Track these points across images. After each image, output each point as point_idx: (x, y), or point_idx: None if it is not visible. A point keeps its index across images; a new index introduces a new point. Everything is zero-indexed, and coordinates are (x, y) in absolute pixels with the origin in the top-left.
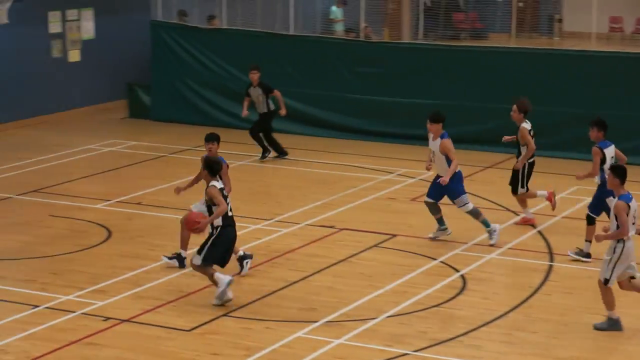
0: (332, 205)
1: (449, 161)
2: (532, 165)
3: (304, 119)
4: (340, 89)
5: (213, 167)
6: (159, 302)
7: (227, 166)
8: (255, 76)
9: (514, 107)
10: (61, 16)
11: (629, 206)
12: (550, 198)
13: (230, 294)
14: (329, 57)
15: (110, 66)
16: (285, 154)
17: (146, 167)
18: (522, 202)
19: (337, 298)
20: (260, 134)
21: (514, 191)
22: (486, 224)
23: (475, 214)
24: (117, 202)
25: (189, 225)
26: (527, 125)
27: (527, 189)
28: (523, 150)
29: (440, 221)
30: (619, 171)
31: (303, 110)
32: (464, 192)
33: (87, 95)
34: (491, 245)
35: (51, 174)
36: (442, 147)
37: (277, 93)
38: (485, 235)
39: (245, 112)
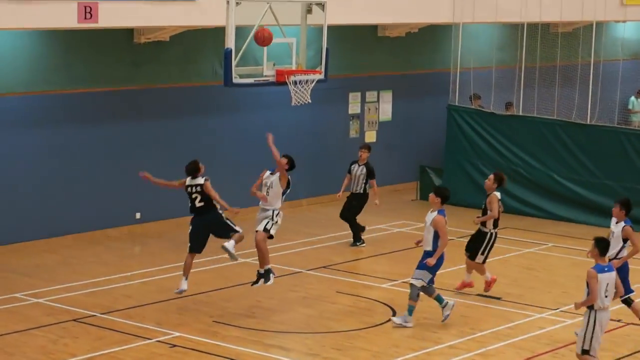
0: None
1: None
2: (496, 236)
3: (595, 208)
4: (633, 179)
5: None
6: None
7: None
8: (365, 155)
9: (491, 176)
10: (361, 97)
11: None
12: (490, 284)
13: None
14: (626, 148)
15: (405, 148)
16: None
17: None
18: (472, 268)
19: None
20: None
21: (472, 257)
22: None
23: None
24: (403, 282)
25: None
26: (497, 194)
27: (484, 261)
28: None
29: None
30: (601, 243)
31: (594, 200)
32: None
33: (380, 175)
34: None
35: (340, 251)
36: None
37: (374, 182)
38: None
39: (341, 193)
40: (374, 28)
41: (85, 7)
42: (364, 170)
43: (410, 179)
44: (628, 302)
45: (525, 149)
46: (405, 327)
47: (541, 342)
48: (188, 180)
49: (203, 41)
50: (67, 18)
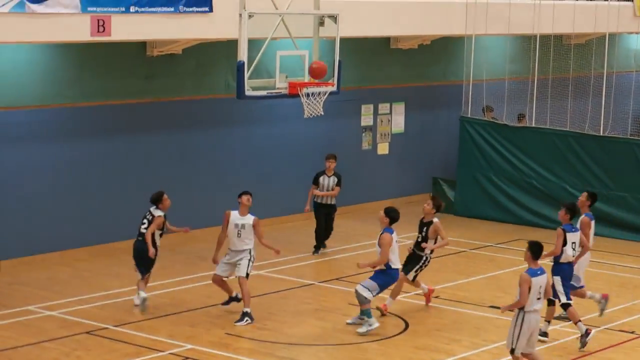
0: (633, 310)
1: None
2: (430, 260)
3: (608, 220)
4: None
5: None
6: None
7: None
8: (333, 165)
9: (430, 202)
10: (373, 109)
11: (532, 280)
12: (429, 295)
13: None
14: (639, 159)
15: (417, 160)
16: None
17: (445, 261)
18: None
19: None
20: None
21: (407, 271)
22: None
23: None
24: (415, 294)
25: None
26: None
27: (414, 279)
28: (431, 242)
29: None
30: (534, 247)
31: (607, 212)
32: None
33: (393, 187)
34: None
35: (353, 263)
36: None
37: (339, 189)
38: None
39: (308, 207)
40: (386, 40)
41: (98, 21)
42: (335, 180)
43: (423, 191)
44: (551, 302)
45: (538, 160)
46: (371, 329)
47: (554, 353)
48: (152, 209)
49: (216, 54)
50: (80, 31)
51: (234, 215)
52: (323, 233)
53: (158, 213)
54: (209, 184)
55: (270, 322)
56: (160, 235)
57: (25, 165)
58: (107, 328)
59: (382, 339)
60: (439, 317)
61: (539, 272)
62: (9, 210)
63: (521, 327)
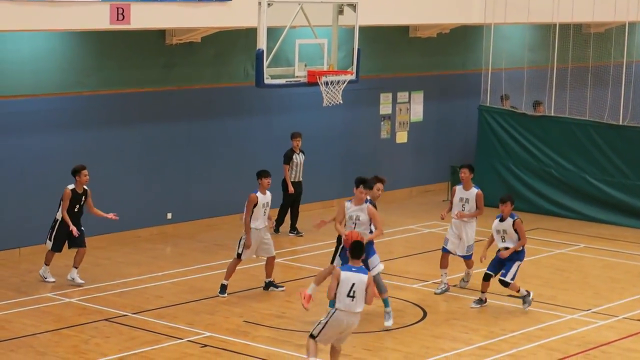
0: None
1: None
2: None
3: (627, 210)
4: None
5: None
6: None
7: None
8: (299, 143)
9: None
10: (392, 98)
11: (341, 275)
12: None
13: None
14: None
15: (436, 149)
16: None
17: None
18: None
19: None
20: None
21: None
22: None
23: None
24: (434, 283)
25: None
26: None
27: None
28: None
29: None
30: (352, 247)
31: (626, 201)
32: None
33: (411, 176)
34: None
35: None
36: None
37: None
38: None
39: (292, 189)
40: (405, 29)
41: (117, 9)
42: (304, 157)
43: (441, 180)
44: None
45: (557, 149)
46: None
47: (572, 343)
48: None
49: (235, 42)
50: (100, 19)
51: (261, 196)
52: (297, 213)
53: (70, 186)
54: (228, 171)
55: (289, 311)
56: (76, 208)
57: (44, 152)
58: (126, 315)
59: (399, 328)
60: (457, 306)
61: (354, 269)
62: (29, 198)
63: (327, 321)
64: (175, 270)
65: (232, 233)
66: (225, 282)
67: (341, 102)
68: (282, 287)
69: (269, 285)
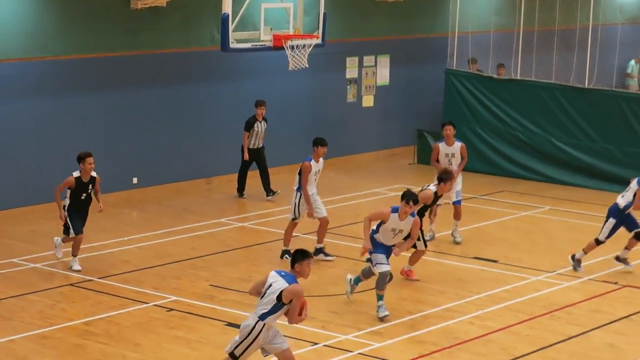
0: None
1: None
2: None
3: (593, 173)
4: (632, 143)
5: None
6: (435, 347)
7: None
8: (263, 111)
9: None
10: (358, 62)
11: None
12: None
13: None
14: (624, 112)
15: (402, 112)
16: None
17: None
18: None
19: (618, 357)
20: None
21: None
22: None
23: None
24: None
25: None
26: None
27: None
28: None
29: None
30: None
31: (592, 164)
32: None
33: (378, 140)
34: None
35: (339, 216)
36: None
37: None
38: None
39: (247, 156)
40: None
41: None
42: (265, 125)
43: (408, 143)
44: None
45: (523, 113)
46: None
47: (538, 304)
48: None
49: (200, 7)
50: None
51: (314, 164)
52: (267, 175)
53: (75, 173)
54: (195, 136)
55: (255, 274)
56: (82, 197)
57: (8, 118)
58: (91, 280)
59: (366, 290)
60: (423, 269)
61: (282, 274)
62: None
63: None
64: (141, 234)
65: (200, 198)
66: (286, 248)
67: (307, 66)
68: (332, 256)
69: (318, 251)
